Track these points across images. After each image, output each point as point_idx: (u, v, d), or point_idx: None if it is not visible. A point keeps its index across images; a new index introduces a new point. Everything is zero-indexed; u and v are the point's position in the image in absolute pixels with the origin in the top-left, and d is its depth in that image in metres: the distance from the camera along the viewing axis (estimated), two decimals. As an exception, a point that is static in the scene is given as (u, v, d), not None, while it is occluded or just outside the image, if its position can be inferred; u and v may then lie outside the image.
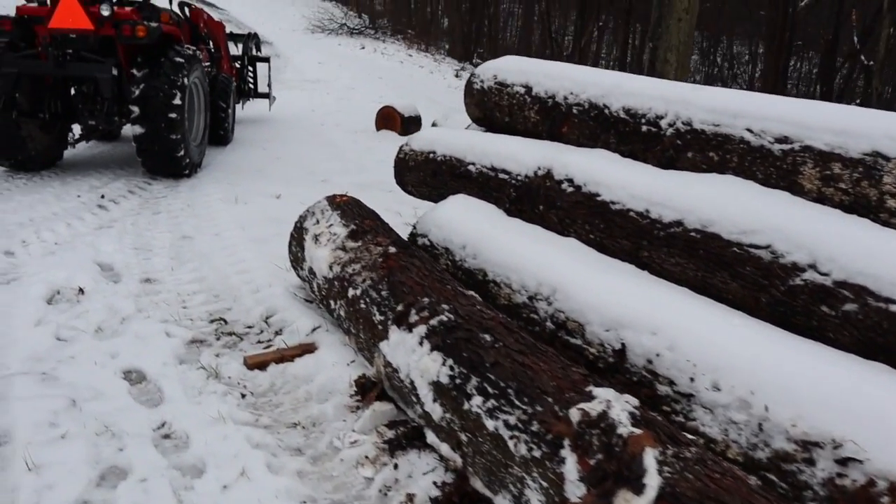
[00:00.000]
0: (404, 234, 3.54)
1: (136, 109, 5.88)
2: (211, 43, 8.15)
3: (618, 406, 1.97)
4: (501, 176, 3.43)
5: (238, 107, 8.81)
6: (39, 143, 6.25)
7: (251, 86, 9.58)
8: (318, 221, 3.43)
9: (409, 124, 9.34)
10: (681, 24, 6.06)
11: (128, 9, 6.14)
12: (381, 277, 2.83)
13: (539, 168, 3.23)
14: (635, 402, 2.02)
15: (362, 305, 2.83)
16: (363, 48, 25.29)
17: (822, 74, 24.94)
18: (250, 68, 9.59)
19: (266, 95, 9.65)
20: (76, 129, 6.71)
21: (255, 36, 9.95)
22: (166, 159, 6.09)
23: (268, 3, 38.66)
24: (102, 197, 5.56)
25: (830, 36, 22.82)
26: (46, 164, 6.43)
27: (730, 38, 29.98)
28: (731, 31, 29.64)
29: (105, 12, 5.81)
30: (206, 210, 5.33)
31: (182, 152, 6.09)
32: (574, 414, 1.95)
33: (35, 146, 6.19)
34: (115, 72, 5.83)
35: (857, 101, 21.40)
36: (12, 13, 6.19)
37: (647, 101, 3.06)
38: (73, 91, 6.41)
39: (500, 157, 3.48)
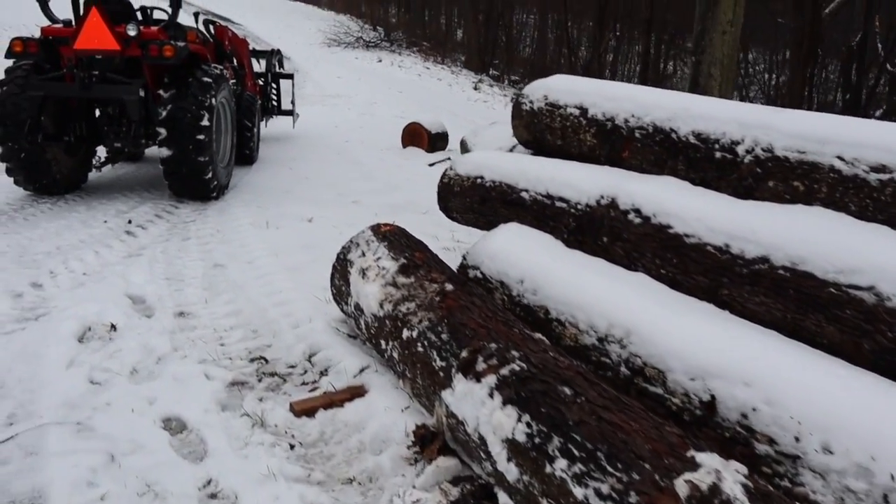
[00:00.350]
0: (445, 259, 3.34)
1: (162, 131, 5.73)
2: (235, 60, 8.02)
3: (729, 477, 1.75)
4: (559, 204, 3.22)
5: (262, 124, 8.67)
6: (64, 167, 6.12)
7: (275, 103, 9.45)
8: (363, 254, 3.24)
9: (437, 141, 9.17)
10: (725, 36, 5.85)
11: (154, 28, 6.00)
12: (440, 318, 2.63)
13: (602, 197, 3.03)
14: (745, 470, 1.81)
15: (419, 349, 2.63)
16: (380, 61, 25.22)
17: (844, 83, 24.61)
18: (274, 85, 9.46)
19: (290, 112, 9.51)
20: (101, 151, 6.59)
21: (279, 52, 9.83)
22: (194, 182, 5.94)
23: (284, 17, 38.88)
24: (130, 222, 5.41)
25: (854, 43, 22.51)
26: (71, 187, 6.29)
27: (745, 45, 29.65)
28: (745, 39, 29.25)
29: (132, 32, 5.68)
30: (236, 235, 5.15)
31: (210, 174, 5.93)
32: (681, 487, 1.73)
33: (60, 169, 6.06)
34: (141, 93, 5.70)
35: (882, 110, 21.07)
36: (37, 34, 6.10)
37: (720, 125, 2.85)
38: (98, 113, 6.28)
39: (557, 183, 3.28)
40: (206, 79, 5.86)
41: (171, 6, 6.10)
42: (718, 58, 5.87)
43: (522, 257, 3.10)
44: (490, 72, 30.33)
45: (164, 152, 5.77)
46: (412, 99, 16.34)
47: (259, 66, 9.46)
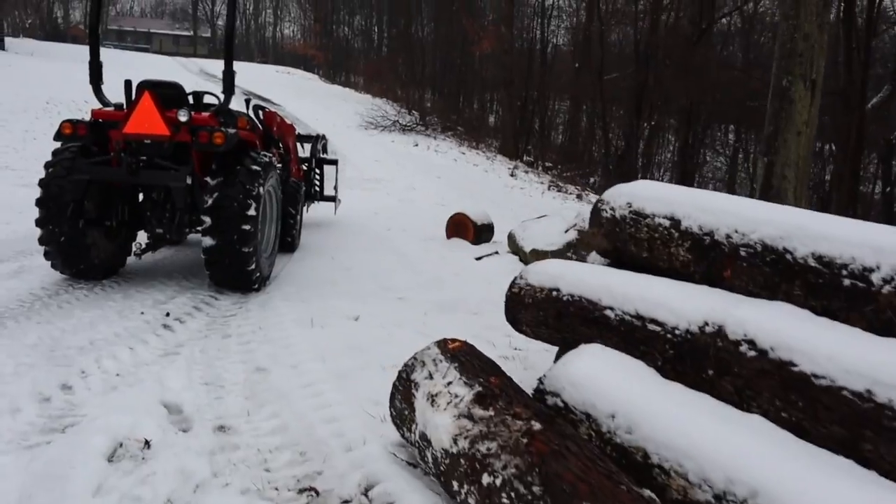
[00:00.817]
0: (507, 370, 2.97)
1: (207, 220, 5.53)
2: (281, 145, 7.94)
3: None
4: (651, 327, 2.87)
5: (304, 210, 8.52)
6: (103, 251, 5.94)
7: (318, 189, 9.34)
8: (430, 375, 2.89)
9: (482, 232, 8.92)
10: (800, 137, 5.59)
11: (205, 114, 5.90)
12: (530, 467, 2.25)
13: (706, 323, 2.67)
14: None
15: (505, 501, 2.24)
16: (416, 145, 25.47)
17: (884, 175, 24.25)
18: (317, 171, 9.38)
19: (332, 199, 9.39)
20: (141, 236, 6.42)
21: (324, 137, 9.80)
22: (236, 273, 5.70)
23: (322, 99, 39.82)
24: (167, 315, 5.14)
25: (894, 137, 22.28)
26: (109, 272, 6.09)
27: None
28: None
29: (183, 118, 5.58)
30: (279, 334, 4.85)
31: (253, 266, 5.69)
32: None
33: (99, 254, 5.88)
34: (188, 180, 5.54)
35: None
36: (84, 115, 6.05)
37: (849, 248, 2.51)
38: (141, 197, 6.14)
39: (648, 303, 2.93)
40: (254, 167, 5.71)
41: (223, 92, 6.02)
42: (793, 159, 5.58)
43: (612, 387, 2.73)
44: (524, 158, 30.52)
45: (208, 241, 5.56)
46: (450, 185, 16.28)
47: (303, 150, 9.40)
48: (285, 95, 35.85)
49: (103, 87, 6.18)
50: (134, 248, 6.06)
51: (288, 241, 7.43)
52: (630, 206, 3.37)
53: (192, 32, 73.40)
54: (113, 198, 5.94)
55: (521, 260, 7.87)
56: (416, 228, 9.77)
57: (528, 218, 12.57)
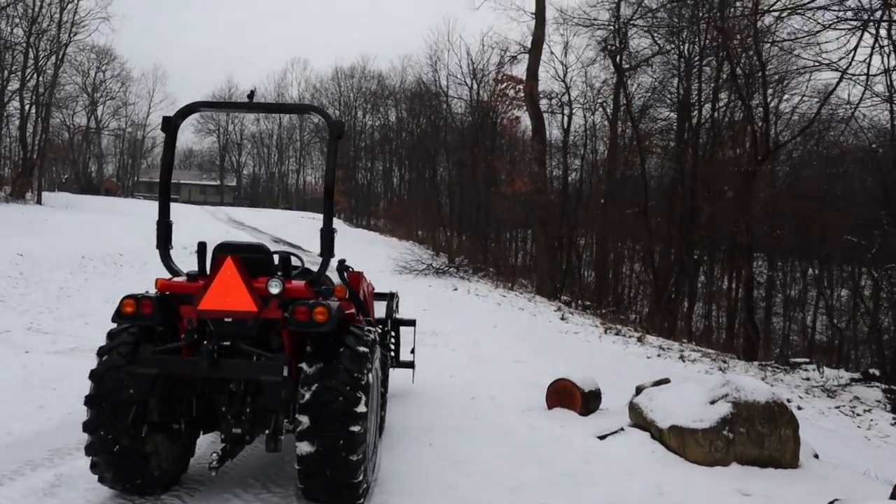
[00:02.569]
0: None
1: (304, 420, 4.30)
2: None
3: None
4: None
5: (381, 380, 7.26)
6: (165, 459, 4.67)
7: (393, 354, 8.09)
8: None
9: (590, 401, 7.59)
10: None
11: (299, 283, 4.80)
12: None
13: None
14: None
15: None
16: (456, 289, 24.50)
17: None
18: (393, 333, 8.17)
19: (411, 364, 8.15)
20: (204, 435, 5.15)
21: (396, 295, 8.69)
22: (339, 486, 4.38)
23: (349, 243, 39.37)
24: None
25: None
26: (170, 483, 4.78)
27: None
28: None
29: (275, 290, 4.48)
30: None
31: (361, 476, 4.39)
32: None
33: (160, 463, 4.61)
34: (286, 372, 4.34)
35: None
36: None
37: None
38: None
39: None
40: (360, 348, 4.54)
41: (321, 253, 4.94)
42: None
43: None
44: (561, 297, 29.45)
45: (305, 448, 4.29)
46: (510, 334, 15.06)
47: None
48: (312, 240, 35.59)
49: (172, 251, 5.15)
50: (209, 461, 4.64)
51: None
52: None
53: (218, 182, 75.38)
54: (181, 392, 4.74)
55: (654, 437, 6.48)
56: (504, 395, 8.46)
57: (607, 374, 11.23)
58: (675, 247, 24.92)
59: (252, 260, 4.68)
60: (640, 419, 6.81)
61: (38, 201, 32.93)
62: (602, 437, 6.56)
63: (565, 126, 35.68)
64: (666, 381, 7.56)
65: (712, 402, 6.23)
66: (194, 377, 4.59)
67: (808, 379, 15.89)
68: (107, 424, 4.35)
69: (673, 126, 28.28)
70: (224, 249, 4.70)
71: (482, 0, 53.07)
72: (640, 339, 18.20)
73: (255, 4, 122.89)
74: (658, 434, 6.45)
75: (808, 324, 28.50)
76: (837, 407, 13.32)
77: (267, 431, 4.42)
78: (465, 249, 37.27)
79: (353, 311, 5.13)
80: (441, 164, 48.41)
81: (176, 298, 4.66)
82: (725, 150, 26.73)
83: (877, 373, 15.97)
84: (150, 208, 39.65)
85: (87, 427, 4.43)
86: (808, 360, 17.59)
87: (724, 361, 16.90)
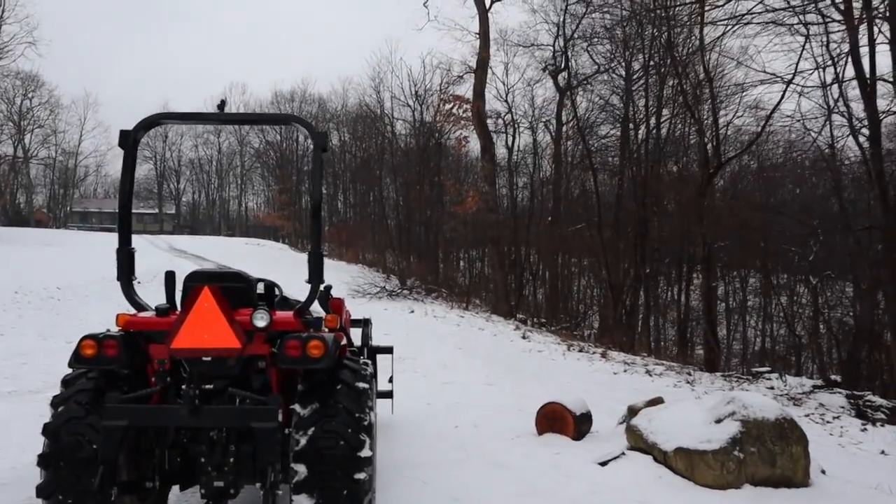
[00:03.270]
0: None
1: (301, 469, 3.76)
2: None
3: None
4: None
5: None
6: (133, 521, 4.05)
7: (370, 384, 7.54)
8: None
9: (582, 424, 7.19)
10: None
11: (286, 314, 4.28)
12: None
13: None
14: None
15: None
16: (412, 312, 24.00)
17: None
18: (368, 362, 7.61)
19: (389, 394, 7.62)
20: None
21: (369, 321, 8.16)
22: (342, 544, 3.84)
23: (298, 268, 38.42)
24: None
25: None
26: (136, 548, 4.16)
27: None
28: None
29: (260, 323, 3.95)
30: None
31: (365, 530, 3.87)
32: None
33: (127, 528, 3.99)
34: (280, 417, 3.79)
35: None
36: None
37: None
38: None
39: None
40: (360, 384, 4.05)
41: (309, 279, 4.43)
42: None
43: None
44: (517, 315, 29.20)
45: (303, 502, 3.75)
46: (476, 356, 14.63)
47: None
48: (262, 267, 34.49)
49: (136, 282, 4.55)
50: None
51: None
52: None
53: (157, 210, 73.19)
54: (151, 444, 4.13)
55: (657, 461, 6.11)
56: (487, 422, 8.00)
57: (589, 392, 10.92)
58: (629, 260, 24.97)
59: (230, 289, 4.13)
60: (639, 442, 6.44)
61: (-36, 235, 31.18)
62: (603, 464, 6.16)
63: (509, 145, 35.74)
64: (659, 400, 7.24)
65: (718, 422, 5.90)
66: (168, 427, 3.99)
67: (772, 388, 15.88)
68: (66, 488, 3.73)
69: (618, 141, 28.54)
70: (198, 278, 4.15)
71: (426, 21, 53.50)
72: (603, 355, 18.00)
73: (188, 30, 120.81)
74: (662, 457, 6.09)
75: (755, 333, 28.96)
76: (807, 415, 13.27)
77: (258, 485, 3.85)
78: (416, 270, 36.80)
79: (345, 342, 4.63)
80: (387, 186, 47.93)
81: (143, 337, 4.08)
82: (668, 164, 27.08)
83: (838, 378, 16.10)
84: (85, 239, 38.08)
85: (42, 492, 3.79)
86: (769, 368, 17.66)
87: (689, 374, 16.80)
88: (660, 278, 28.80)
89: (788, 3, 15.07)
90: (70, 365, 4.01)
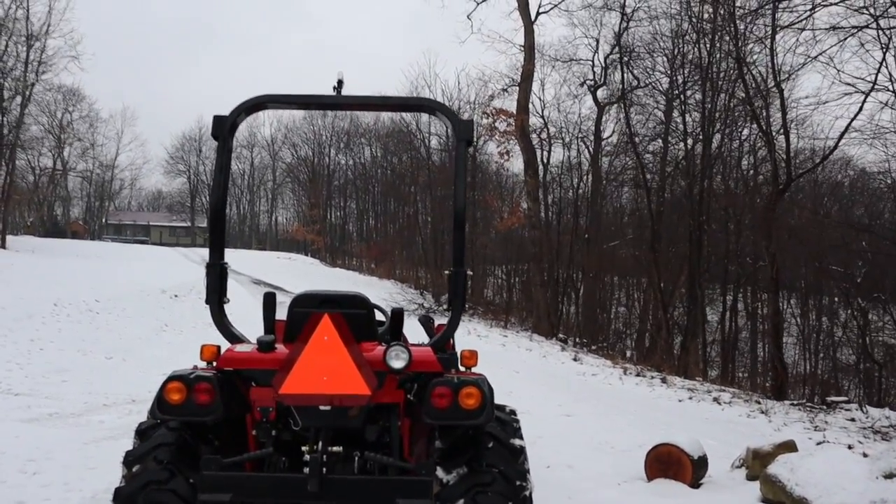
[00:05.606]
0: None
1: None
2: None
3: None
4: None
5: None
6: None
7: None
8: None
9: (699, 469, 6.28)
10: None
11: (424, 350, 3.44)
12: None
13: None
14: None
15: None
16: (456, 330, 23.12)
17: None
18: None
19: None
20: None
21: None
22: None
23: (331, 283, 37.87)
24: None
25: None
26: None
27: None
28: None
29: (397, 364, 3.10)
30: None
31: None
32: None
33: None
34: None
35: None
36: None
37: None
38: None
39: None
40: (515, 441, 3.20)
41: (449, 302, 3.62)
42: None
43: None
44: (559, 335, 28.20)
45: None
46: (536, 380, 13.81)
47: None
48: (295, 282, 34.04)
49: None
50: None
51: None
52: None
53: (189, 223, 73.32)
54: None
55: (807, 522, 5.18)
56: (581, 462, 7.12)
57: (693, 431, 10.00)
58: (677, 279, 23.91)
59: (352, 317, 3.30)
60: (781, 496, 5.50)
61: (3, 245, 30.98)
62: (744, 524, 5.23)
63: (545, 161, 34.88)
64: (790, 444, 6.30)
65: (889, 477, 4.96)
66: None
67: (853, 420, 14.75)
68: None
69: (666, 157, 27.52)
70: (310, 302, 3.34)
71: (469, 34, 52.89)
72: (664, 381, 16.97)
73: (223, 44, 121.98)
74: (814, 516, 5.15)
75: (818, 357, 27.64)
76: (904, 453, 12.16)
77: None
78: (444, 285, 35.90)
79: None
80: (420, 202, 47.27)
81: (241, 377, 3.26)
82: (725, 178, 26.04)
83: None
84: (121, 251, 37.82)
85: None
86: (845, 398, 16.49)
87: (758, 402, 15.73)
88: (716, 298, 27.64)
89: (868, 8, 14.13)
90: (152, 414, 3.20)
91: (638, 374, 17.68)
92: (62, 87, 48.31)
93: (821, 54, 14.44)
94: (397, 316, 3.95)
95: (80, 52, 34.07)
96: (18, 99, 33.28)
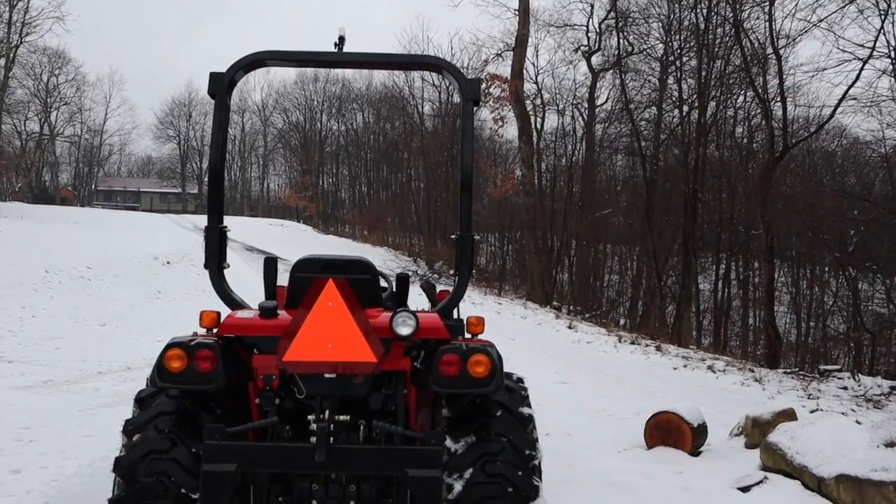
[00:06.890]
0: None
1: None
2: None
3: None
4: None
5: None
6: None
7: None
8: None
9: (698, 437, 6.28)
10: None
11: (431, 316, 3.37)
12: None
13: None
14: None
15: None
16: (449, 297, 23.11)
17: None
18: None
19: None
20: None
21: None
22: None
23: (324, 250, 37.71)
24: None
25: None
26: None
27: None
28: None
29: (404, 330, 3.04)
30: None
31: None
32: None
33: None
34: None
35: None
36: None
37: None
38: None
39: None
40: (524, 410, 3.14)
41: (455, 271, 3.55)
42: None
43: None
44: (553, 303, 28.26)
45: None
46: (531, 348, 13.79)
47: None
48: (288, 248, 33.88)
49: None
50: None
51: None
52: None
53: (180, 190, 72.70)
54: (261, 495, 3.14)
55: (808, 487, 5.18)
56: (579, 430, 7.13)
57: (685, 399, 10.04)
58: (677, 248, 23.88)
59: (356, 283, 3.22)
60: (781, 463, 5.50)
61: (-10, 211, 30.65)
62: (745, 489, 5.23)
63: (539, 128, 34.59)
64: (790, 413, 6.30)
65: (890, 446, 4.95)
66: (291, 473, 3.02)
67: (845, 388, 14.86)
68: None
69: (675, 125, 27.32)
70: (312, 267, 3.26)
71: (460, -3, 52.12)
72: (658, 349, 17.03)
73: (212, 8, 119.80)
74: (815, 484, 5.15)
75: (809, 326, 27.81)
76: (896, 420, 12.27)
77: None
78: (443, 253, 35.88)
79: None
80: (413, 168, 46.98)
81: (243, 344, 3.18)
82: (723, 147, 25.91)
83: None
84: (111, 217, 37.41)
85: None
86: (837, 367, 16.60)
87: (752, 370, 15.82)
88: (706, 264, 27.70)
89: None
90: (152, 382, 3.12)
91: (632, 343, 17.73)
92: (47, 49, 47.44)
93: (822, 21, 14.28)
94: (403, 281, 3.86)
95: (65, 12, 33.41)
96: (2, 61, 32.70)
